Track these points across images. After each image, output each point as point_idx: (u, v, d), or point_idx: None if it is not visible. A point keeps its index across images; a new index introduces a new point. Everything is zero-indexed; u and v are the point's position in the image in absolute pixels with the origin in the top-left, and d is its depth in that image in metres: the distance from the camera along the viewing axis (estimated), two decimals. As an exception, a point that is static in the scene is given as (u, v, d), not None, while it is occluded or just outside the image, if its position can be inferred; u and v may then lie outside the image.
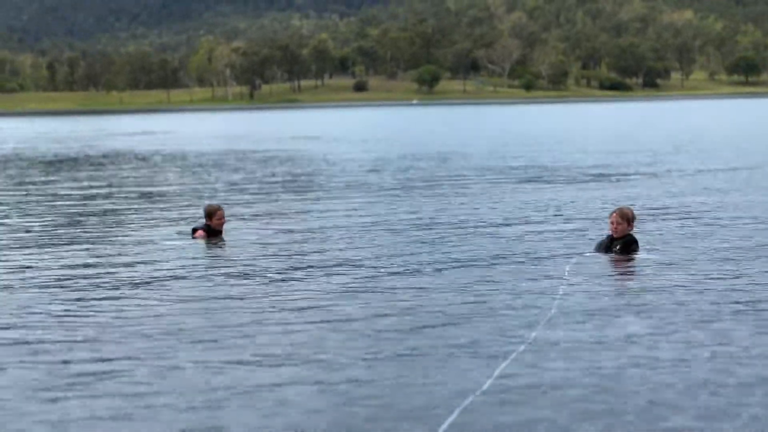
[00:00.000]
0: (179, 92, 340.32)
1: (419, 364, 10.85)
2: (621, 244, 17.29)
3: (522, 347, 11.37)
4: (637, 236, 17.68)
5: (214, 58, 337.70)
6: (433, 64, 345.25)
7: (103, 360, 11.33)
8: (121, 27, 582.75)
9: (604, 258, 17.17)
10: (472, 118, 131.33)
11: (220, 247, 20.04)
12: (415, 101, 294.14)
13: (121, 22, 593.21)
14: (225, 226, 21.23)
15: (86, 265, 17.91)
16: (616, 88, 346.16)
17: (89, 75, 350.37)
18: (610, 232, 17.54)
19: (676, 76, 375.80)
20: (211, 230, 20.89)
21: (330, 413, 9.36)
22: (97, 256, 19.04)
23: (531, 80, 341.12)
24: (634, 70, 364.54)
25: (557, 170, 39.00)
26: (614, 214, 17.42)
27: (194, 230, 21.20)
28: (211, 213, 20.94)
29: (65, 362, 11.24)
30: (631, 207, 18.53)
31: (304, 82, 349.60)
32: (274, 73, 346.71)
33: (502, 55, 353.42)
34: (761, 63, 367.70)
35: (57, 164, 52.15)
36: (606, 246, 17.53)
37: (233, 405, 9.70)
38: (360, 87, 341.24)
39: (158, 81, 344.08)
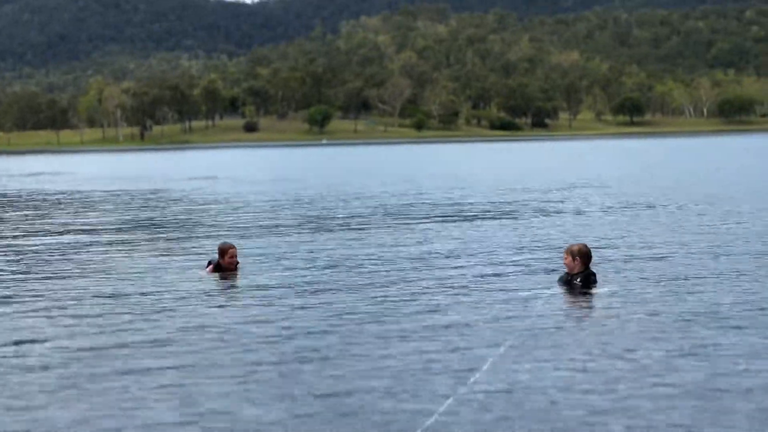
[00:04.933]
0: (69, 133, 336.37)
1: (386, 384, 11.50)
2: (581, 278, 17.97)
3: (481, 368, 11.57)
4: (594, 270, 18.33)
5: (104, 98, 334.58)
6: (324, 103, 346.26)
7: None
8: (6, 67, 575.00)
9: (566, 291, 17.85)
10: (377, 157, 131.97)
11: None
12: (324, 141, 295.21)
13: (6, 62, 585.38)
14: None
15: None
16: (505, 127, 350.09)
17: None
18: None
19: (564, 116, 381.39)
20: (222, 268, 21.16)
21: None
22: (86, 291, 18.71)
23: (422, 120, 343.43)
24: (523, 109, 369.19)
25: (473, 208, 39.21)
26: (564, 251, 18.40)
27: (209, 263, 21.57)
28: (222, 252, 21.25)
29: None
30: (584, 243, 18.97)
31: (194, 123, 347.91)
32: (164, 113, 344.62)
33: (393, 95, 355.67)
34: (645, 103, 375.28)
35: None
36: (566, 280, 18.22)
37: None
38: (250, 127, 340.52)
39: (47, 121, 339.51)
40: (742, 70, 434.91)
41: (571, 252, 18.04)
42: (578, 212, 36.22)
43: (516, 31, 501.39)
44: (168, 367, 12.75)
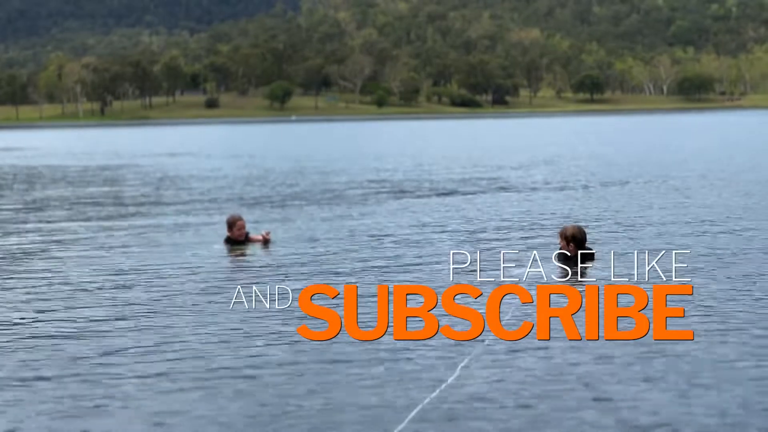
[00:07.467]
0: (28, 108, 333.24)
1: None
2: (577, 258, 17.35)
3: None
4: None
5: (64, 74, 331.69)
6: (285, 80, 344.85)
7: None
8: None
9: (561, 271, 16.95)
10: (345, 133, 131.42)
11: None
12: (293, 117, 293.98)
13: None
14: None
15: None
16: (466, 104, 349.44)
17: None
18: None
19: (524, 93, 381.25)
20: (232, 242, 21.20)
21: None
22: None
23: (383, 96, 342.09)
24: (483, 87, 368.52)
25: (448, 184, 39.54)
26: (558, 234, 17.74)
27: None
28: (231, 224, 21.34)
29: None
30: (576, 225, 18.40)
31: (155, 99, 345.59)
32: (125, 89, 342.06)
33: (354, 72, 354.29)
34: (605, 81, 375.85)
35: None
36: (561, 259, 17.41)
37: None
38: (211, 104, 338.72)
39: (6, 97, 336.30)
40: (701, 48, 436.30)
41: (564, 236, 17.44)
42: (558, 189, 36.54)
43: (477, 8, 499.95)
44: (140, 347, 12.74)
